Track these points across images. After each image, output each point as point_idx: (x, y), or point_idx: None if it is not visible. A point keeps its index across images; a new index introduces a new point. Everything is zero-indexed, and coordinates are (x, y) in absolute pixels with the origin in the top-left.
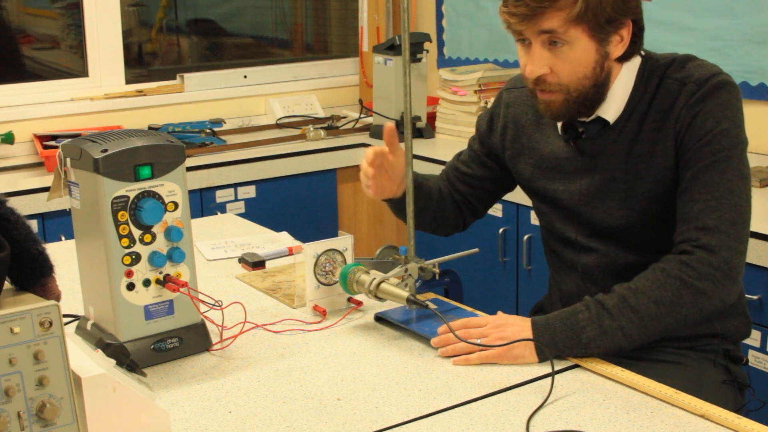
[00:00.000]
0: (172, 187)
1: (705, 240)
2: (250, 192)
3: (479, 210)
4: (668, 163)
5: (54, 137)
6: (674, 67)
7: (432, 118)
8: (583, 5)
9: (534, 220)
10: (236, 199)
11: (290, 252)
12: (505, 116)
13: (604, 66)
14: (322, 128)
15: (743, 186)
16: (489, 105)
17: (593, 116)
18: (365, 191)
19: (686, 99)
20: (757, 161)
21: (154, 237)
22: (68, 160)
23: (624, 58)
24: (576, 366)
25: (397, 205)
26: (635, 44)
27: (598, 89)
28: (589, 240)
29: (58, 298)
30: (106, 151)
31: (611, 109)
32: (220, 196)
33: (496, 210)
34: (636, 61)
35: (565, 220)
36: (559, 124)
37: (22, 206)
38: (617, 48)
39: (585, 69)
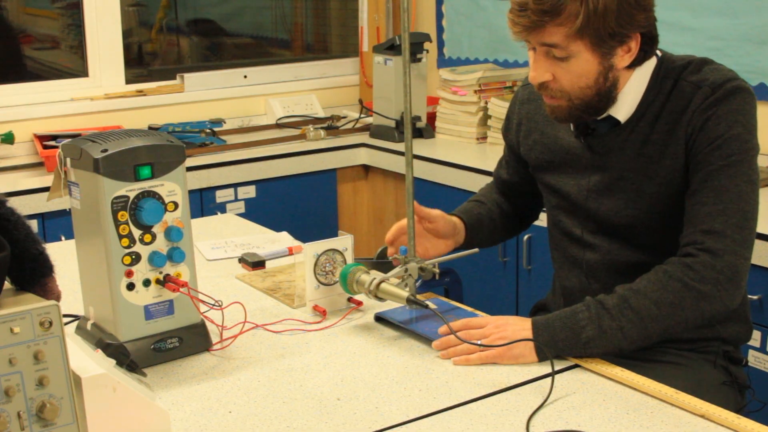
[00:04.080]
0: (172, 187)
1: (710, 243)
2: (250, 192)
3: (535, 204)
4: (678, 165)
5: (54, 137)
6: (690, 69)
7: (432, 118)
8: (584, 20)
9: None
10: (236, 199)
11: (290, 252)
12: (519, 113)
13: (608, 77)
14: (322, 128)
15: (752, 191)
16: (488, 104)
17: (605, 115)
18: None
19: (700, 102)
20: (758, 161)
21: (154, 237)
22: (68, 160)
23: (634, 65)
24: (576, 366)
25: (466, 246)
26: (646, 53)
27: (602, 98)
28: (594, 237)
29: (58, 298)
30: (106, 151)
31: (623, 109)
32: (220, 196)
33: None
34: (651, 63)
35: (572, 216)
36: None
37: (22, 206)
38: (623, 59)
39: (587, 80)
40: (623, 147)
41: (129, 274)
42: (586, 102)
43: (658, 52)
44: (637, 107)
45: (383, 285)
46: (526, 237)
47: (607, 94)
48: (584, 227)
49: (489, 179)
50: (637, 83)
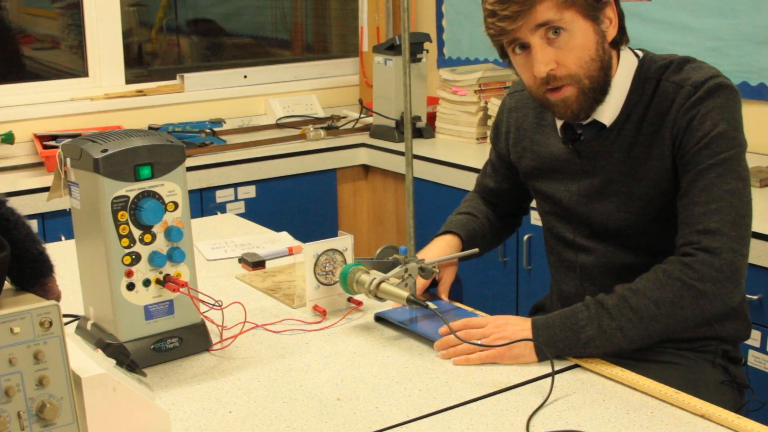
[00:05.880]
0: (172, 187)
1: (707, 242)
2: (250, 192)
3: (522, 209)
4: (665, 165)
5: (54, 137)
6: (671, 69)
7: (432, 118)
8: None
9: (534, 220)
10: (236, 199)
11: (290, 252)
12: (508, 121)
13: (605, 47)
14: (322, 128)
15: (743, 188)
16: (488, 104)
17: (590, 119)
18: None
19: (683, 102)
20: (757, 161)
21: (154, 237)
22: (68, 160)
23: (617, 43)
24: (576, 366)
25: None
26: (622, 28)
27: (606, 73)
28: (587, 240)
29: (58, 298)
30: (106, 151)
31: (607, 112)
32: (220, 196)
33: None
34: (633, 63)
35: (565, 221)
36: (559, 127)
37: (22, 206)
38: (609, 29)
39: (589, 51)
40: (610, 151)
41: (129, 274)
42: (594, 80)
43: (639, 53)
44: (621, 110)
45: (383, 285)
46: (526, 237)
47: (608, 69)
48: (577, 232)
49: None
50: (621, 85)
